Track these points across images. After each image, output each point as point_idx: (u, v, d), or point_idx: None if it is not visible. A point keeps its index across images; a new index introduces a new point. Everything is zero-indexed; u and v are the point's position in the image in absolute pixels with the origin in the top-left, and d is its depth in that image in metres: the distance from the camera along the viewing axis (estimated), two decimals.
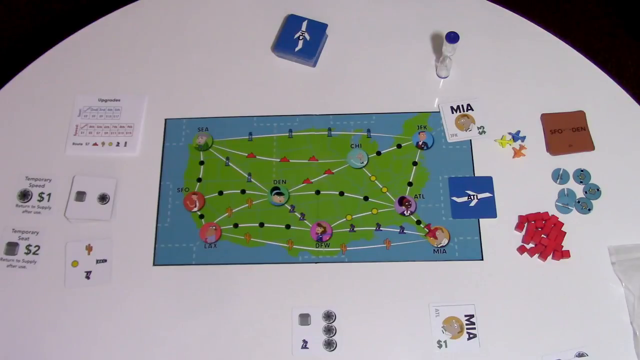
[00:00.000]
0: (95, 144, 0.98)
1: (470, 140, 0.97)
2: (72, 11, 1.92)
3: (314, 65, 1.03)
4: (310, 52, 1.02)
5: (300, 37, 1.03)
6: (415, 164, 0.96)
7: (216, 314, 0.87)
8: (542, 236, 0.89)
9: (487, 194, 0.92)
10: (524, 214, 0.91)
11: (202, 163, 0.97)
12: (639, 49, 1.78)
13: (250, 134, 0.99)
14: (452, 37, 0.93)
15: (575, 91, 0.99)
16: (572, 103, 0.98)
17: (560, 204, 0.92)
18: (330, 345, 0.85)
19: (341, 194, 0.94)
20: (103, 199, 0.94)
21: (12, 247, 0.92)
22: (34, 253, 0.91)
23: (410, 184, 0.95)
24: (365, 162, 0.96)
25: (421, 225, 0.92)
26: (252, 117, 1.00)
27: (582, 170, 0.94)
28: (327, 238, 0.91)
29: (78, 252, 0.91)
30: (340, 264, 0.90)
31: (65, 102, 1.01)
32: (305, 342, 0.85)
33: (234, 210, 0.94)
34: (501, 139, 0.96)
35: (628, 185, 0.93)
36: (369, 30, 1.06)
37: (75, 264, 0.90)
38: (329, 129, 0.98)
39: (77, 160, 0.97)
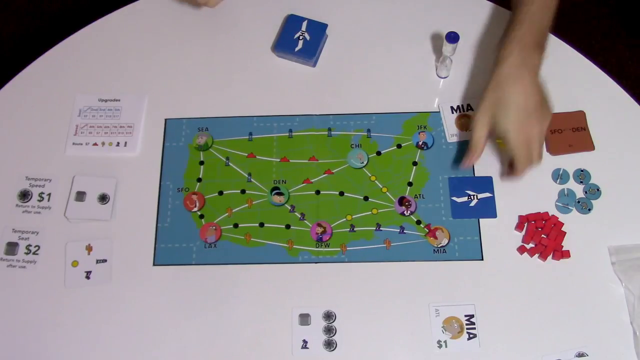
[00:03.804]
0: (95, 144, 0.98)
1: None
2: (72, 11, 1.92)
3: (314, 65, 1.03)
4: (310, 52, 1.02)
5: (300, 37, 1.03)
6: (415, 164, 0.96)
7: (216, 314, 0.87)
8: (542, 236, 0.89)
9: (487, 194, 0.92)
10: (524, 214, 0.91)
11: (202, 163, 0.97)
12: (639, 49, 1.78)
13: (250, 134, 0.99)
14: (452, 37, 0.93)
15: (575, 91, 0.99)
16: (572, 103, 0.98)
17: (560, 204, 0.92)
18: (330, 345, 0.85)
19: (341, 194, 0.94)
20: (103, 199, 0.94)
21: (12, 247, 0.92)
22: (34, 253, 0.91)
23: (410, 184, 0.95)
24: (365, 162, 0.96)
25: (421, 225, 0.92)
26: (252, 117, 1.00)
27: (582, 170, 0.94)
28: (327, 238, 0.91)
29: (78, 252, 0.91)
30: (340, 264, 0.90)
31: (65, 102, 1.01)
32: (305, 342, 0.85)
33: (234, 210, 0.94)
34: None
35: (628, 185, 0.93)
36: (369, 30, 1.06)
37: (75, 264, 0.90)
38: (329, 129, 0.98)
39: (77, 160, 0.97)
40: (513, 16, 0.91)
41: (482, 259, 0.89)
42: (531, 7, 0.89)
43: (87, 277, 0.90)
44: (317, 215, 0.93)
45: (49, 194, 0.95)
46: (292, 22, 1.04)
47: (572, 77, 1.01)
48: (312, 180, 0.95)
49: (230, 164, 0.97)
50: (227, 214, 0.94)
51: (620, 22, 1.82)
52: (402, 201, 0.93)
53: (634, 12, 1.83)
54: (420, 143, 0.97)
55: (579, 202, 0.92)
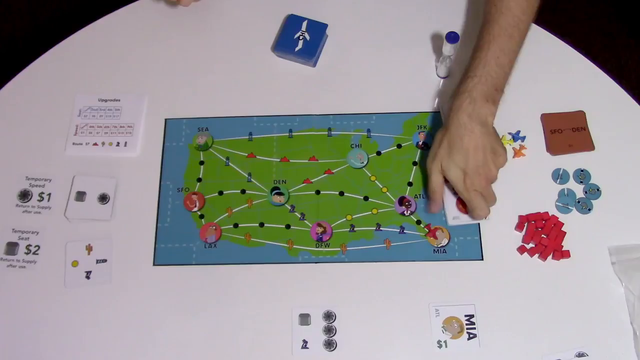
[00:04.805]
0: (95, 144, 0.98)
1: None
2: (72, 11, 1.92)
3: (314, 65, 1.03)
4: (310, 52, 1.02)
5: (300, 37, 1.03)
6: (415, 164, 0.96)
7: (216, 314, 0.87)
8: (542, 236, 0.89)
9: None
10: (524, 214, 0.91)
11: (202, 163, 0.97)
12: (639, 49, 1.78)
13: (250, 134, 0.99)
14: (452, 37, 0.93)
15: (575, 91, 0.99)
16: (572, 103, 0.98)
17: (560, 204, 0.92)
18: (330, 345, 0.85)
19: (341, 194, 0.94)
20: (103, 199, 0.94)
21: (12, 247, 0.92)
22: (34, 253, 0.91)
23: (410, 184, 0.95)
24: (365, 162, 0.96)
25: (421, 225, 0.92)
26: (252, 117, 1.00)
27: (582, 170, 0.94)
28: (327, 238, 0.91)
29: (78, 252, 0.91)
30: (340, 264, 0.90)
31: (65, 102, 1.01)
32: (305, 342, 0.85)
33: (234, 210, 0.94)
34: (501, 138, 0.96)
35: (628, 185, 0.93)
36: (369, 30, 1.06)
37: (75, 264, 0.90)
38: (329, 129, 0.98)
39: (77, 160, 0.97)
40: (469, 62, 0.89)
41: (482, 259, 0.89)
42: (487, 54, 0.86)
43: (87, 277, 0.90)
44: (317, 215, 0.93)
45: (49, 194, 0.95)
46: (292, 22, 1.04)
47: (572, 77, 1.01)
48: (312, 180, 0.95)
49: (230, 164, 0.97)
50: (227, 214, 0.94)
51: (621, 22, 1.82)
52: (402, 201, 0.93)
53: (634, 12, 1.83)
54: (420, 143, 0.97)
55: (579, 202, 0.92)
